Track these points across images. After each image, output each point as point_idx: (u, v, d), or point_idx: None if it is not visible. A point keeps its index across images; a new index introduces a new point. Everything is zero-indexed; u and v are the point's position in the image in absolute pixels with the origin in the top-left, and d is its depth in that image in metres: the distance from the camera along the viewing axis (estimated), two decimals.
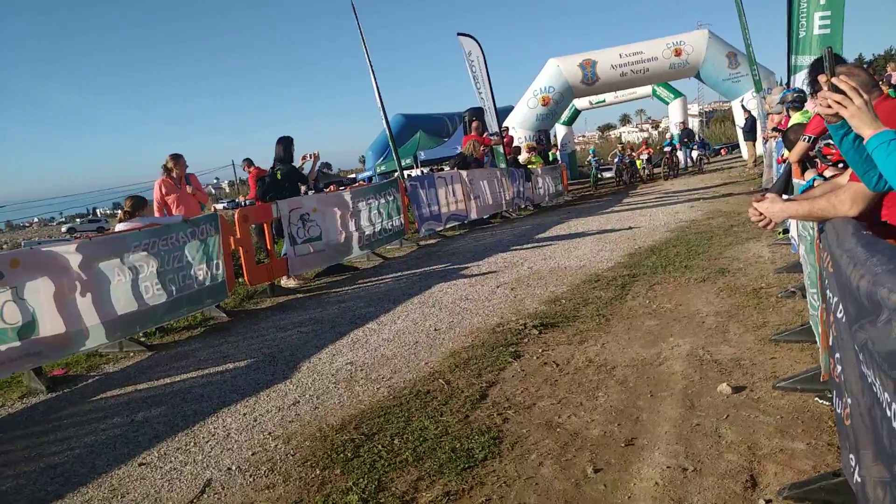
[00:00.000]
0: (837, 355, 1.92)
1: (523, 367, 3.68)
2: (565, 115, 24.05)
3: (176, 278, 5.57)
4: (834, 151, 3.44)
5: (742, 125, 18.39)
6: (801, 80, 8.36)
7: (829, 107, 1.81)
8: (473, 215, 11.50)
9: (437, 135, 27.09)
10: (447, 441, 2.81)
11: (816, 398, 2.75)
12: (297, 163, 8.03)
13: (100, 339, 4.84)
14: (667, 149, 19.77)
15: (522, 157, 15.66)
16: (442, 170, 16.30)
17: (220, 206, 28.35)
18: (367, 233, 8.42)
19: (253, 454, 2.96)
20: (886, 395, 1.23)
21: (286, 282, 7.26)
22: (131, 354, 5.11)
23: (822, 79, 1.89)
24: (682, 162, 20.84)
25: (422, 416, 3.11)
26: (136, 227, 5.47)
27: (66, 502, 2.76)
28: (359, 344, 4.60)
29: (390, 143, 13.53)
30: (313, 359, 4.37)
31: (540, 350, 3.94)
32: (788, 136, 5.23)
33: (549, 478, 2.44)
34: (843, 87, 1.77)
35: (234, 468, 2.85)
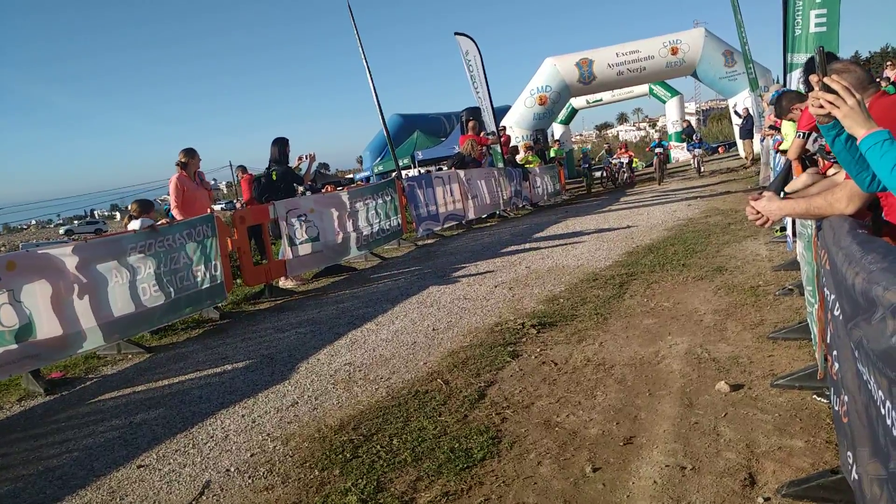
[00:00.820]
0: (835, 353, 1.92)
1: (522, 367, 3.68)
2: (562, 114, 24.04)
3: (174, 280, 5.57)
4: None
5: (739, 123, 18.41)
6: (796, 79, 8.37)
7: (822, 107, 1.77)
8: (471, 215, 11.50)
9: (435, 134, 27.15)
10: (446, 441, 2.81)
11: (814, 396, 2.76)
12: (293, 164, 8.04)
13: (97, 342, 4.83)
14: (657, 150, 17.21)
15: (519, 157, 15.67)
16: (440, 169, 16.31)
17: (217, 208, 28.27)
18: (364, 233, 8.41)
19: (252, 455, 2.96)
20: (881, 392, 1.23)
21: (284, 283, 7.25)
22: (129, 356, 5.10)
23: (813, 79, 1.88)
24: (693, 162, 18.07)
25: (420, 417, 3.11)
26: (163, 222, 5.80)
27: None
28: (357, 344, 4.60)
29: (388, 143, 13.54)
30: (311, 360, 4.37)
31: (538, 349, 3.94)
32: (781, 103, 5.18)
33: (547, 477, 2.44)
34: (835, 86, 1.73)
35: (232, 469, 2.85)
